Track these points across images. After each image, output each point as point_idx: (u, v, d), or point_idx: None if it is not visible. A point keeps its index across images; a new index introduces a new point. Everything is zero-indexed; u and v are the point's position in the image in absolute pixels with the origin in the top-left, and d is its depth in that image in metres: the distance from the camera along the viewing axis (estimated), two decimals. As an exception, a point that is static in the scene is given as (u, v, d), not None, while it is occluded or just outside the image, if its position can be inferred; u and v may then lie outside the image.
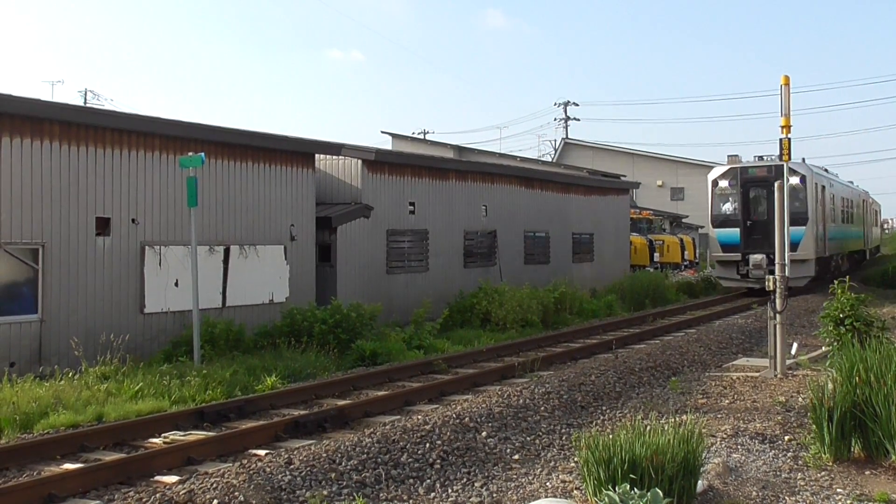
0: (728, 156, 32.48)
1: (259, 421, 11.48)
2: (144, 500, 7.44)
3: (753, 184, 30.76)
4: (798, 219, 28.01)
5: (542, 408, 11.36)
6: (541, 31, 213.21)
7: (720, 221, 31.31)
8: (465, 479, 8.56)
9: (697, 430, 7.19)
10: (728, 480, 7.87)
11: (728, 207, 31.21)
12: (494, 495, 8.02)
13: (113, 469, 8.75)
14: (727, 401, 11.83)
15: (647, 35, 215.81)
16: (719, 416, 10.79)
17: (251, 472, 8.08)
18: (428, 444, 9.28)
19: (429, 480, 8.47)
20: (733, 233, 30.87)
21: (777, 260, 14.27)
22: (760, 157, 31.41)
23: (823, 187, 31.98)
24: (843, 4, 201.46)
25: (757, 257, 29.93)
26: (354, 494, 7.92)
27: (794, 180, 28.57)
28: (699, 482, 7.20)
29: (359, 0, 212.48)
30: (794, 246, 26.08)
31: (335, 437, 9.82)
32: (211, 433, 10.70)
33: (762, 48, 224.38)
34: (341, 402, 12.51)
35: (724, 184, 31.28)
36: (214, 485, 7.75)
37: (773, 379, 13.45)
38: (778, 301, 13.82)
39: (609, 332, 21.31)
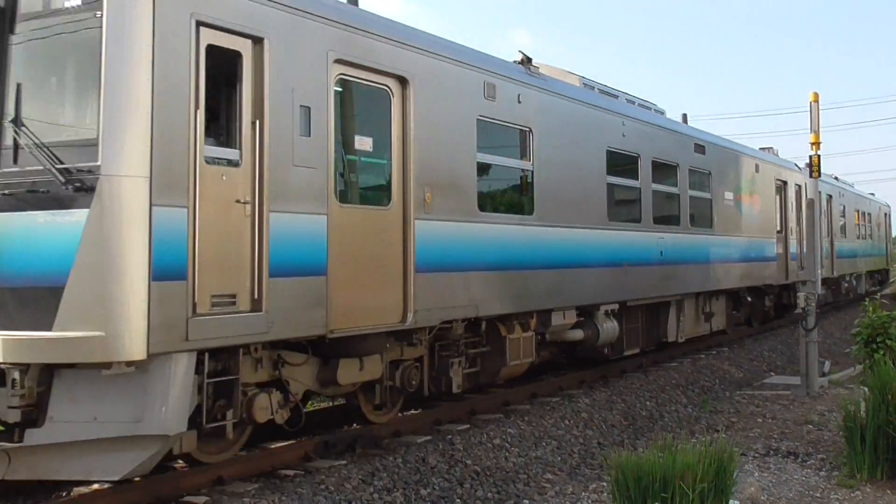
0: None
1: (289, 440, 11.47)
2: (175, 520, 7.47)
3: None
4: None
5: (574, 427, 11.30)
6: (565, 48, 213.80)
7: None
8: (495, 500, 8.54)
9: (729, 448, 7.12)
10: (760, 499, 7.79)
11: None
12: (524, 515, 7.99)
13: (141, 490, 8.77)
14: (759, 419, 11.72)
15: (669, 52, 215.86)
16: (751, 434, 10.69)
17: (281, 492, 8.10)
18: (458, 464, 9.26)
19: (459, 501, 8.45)
20: None
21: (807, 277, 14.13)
22: None
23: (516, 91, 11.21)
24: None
25: None
26: (384, 514, 7.92)
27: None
28: (731, 501, 7.14)
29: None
30: None
31: (365, 458, 9.81)
32: (240, 453, 10.71)
33: (790, 66, 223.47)
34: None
35: None
36: (244, 505, 7.78)
37: (805, 397, 13.31)
38: (809, 318, 13.69)
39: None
